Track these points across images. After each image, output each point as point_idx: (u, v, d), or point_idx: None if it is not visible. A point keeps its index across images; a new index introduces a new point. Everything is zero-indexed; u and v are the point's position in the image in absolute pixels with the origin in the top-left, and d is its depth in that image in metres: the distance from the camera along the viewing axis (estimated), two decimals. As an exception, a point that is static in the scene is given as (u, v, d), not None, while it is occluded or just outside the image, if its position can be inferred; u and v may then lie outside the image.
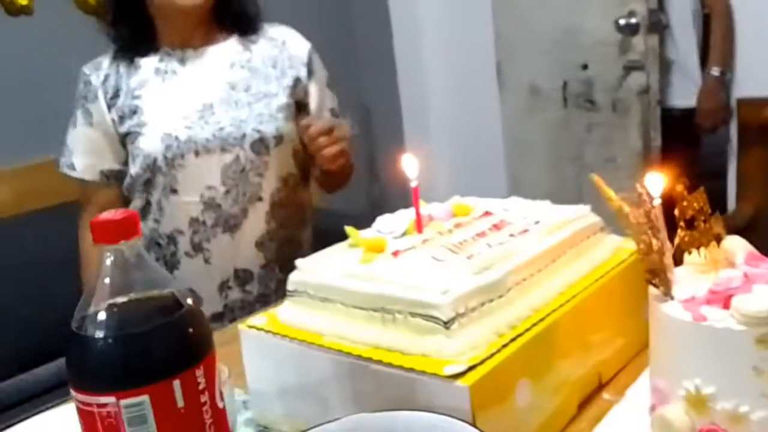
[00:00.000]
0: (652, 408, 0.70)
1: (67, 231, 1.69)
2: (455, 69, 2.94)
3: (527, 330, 0.71)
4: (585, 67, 2.34)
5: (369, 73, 3.20)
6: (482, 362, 0.66)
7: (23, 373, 1.77)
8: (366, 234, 0.86)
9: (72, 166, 1.49)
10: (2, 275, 1.87)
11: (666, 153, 2.29)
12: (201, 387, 0.53)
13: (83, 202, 1.52)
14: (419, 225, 0.86)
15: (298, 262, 0.81)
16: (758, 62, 2.24)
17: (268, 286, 1.48)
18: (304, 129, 1.41)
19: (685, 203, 0.69)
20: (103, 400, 0.49)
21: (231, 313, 1.46)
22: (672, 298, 0.68)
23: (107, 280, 0.51)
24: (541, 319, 0.73)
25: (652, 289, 0.69)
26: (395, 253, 0.79)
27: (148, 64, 1.46)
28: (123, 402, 0.49)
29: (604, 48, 2.27)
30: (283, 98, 1.45)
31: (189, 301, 0.54)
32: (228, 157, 1.41)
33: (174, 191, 1.42)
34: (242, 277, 1.46)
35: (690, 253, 0.71)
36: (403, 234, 0.85)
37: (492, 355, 0.67)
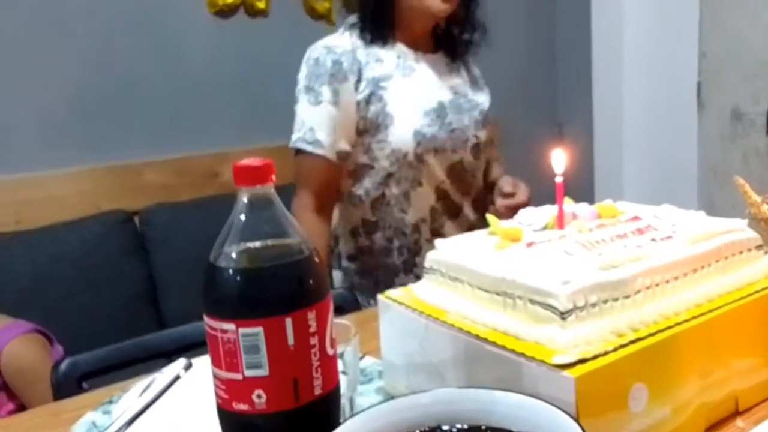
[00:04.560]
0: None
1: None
2: (653, 88, 2.78)
3: (650, 335, 0.67)
4: (794, 92, 2.13)
5: (565, 90, 3.14)
6: (594, 358, 0.63)
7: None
8: (507, 224, 0.86)
9: (318, 144, 1.45)
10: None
11: None
12: (311, 330, 0.56)
13: (308, 179, 1.49)
14: (560, 221, 0.84)
15: (437, 241, 0.83)
16: None
17: None
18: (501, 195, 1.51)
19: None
20: (225, 326, 0.54)
21: None
22: (814, 319, 0.61)
23: (242, 218, 0.56)
24: (668, 327, 0.69)
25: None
26: (529, 244, 0.78)
27: (389, 57, 1.49)
28: (241, 330, 0.54)
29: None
30: (486, 107, 1.59)
31: (309, 250, 0.58)
32: (455, 157, 1.52)
33: (420, 184, 1.50)
34: None
35: None
36: (543, 228, 0.84)
37: (606, 352, 0.64)
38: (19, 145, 2.00)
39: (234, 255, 0.55)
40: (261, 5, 2.34)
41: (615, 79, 2.88)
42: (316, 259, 0.58)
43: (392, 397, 0.85)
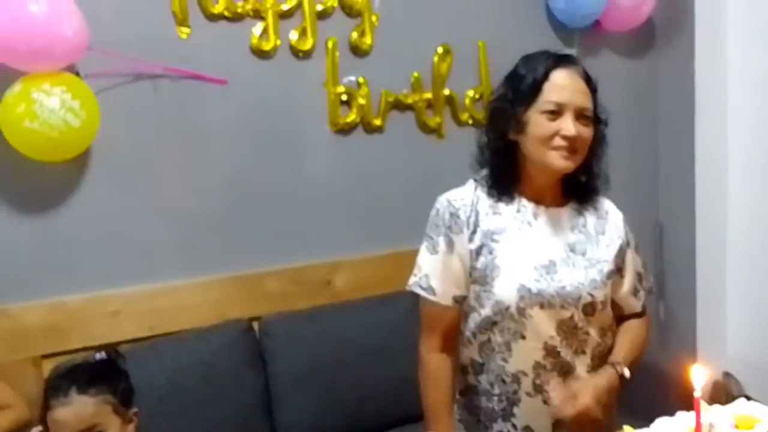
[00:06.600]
0: None
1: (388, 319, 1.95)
2: (761, 196, 2.68)
3: None
4: None
5: (667, 190, 3.06)
6: None
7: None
8: (644, 436, 0.85)
9: (431, 290, 1.52)
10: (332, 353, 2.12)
11: None
12: None
13: (429, 322, 1.56)
14: (699, 435, 0.83)
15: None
16: None
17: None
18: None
19: None
20: None
21: None
22: None
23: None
24: None
25: None
26: (671, 468, 0.77)
27: (508, 211, 1.51)
28: None
29: None
30: (611, 265, 1.53)
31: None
32: (565, 314, 1.48)
33: (522, 337, 1.49)
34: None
35: None
36: (682, 442, 0.83)
37: None
38: (155, 257, 2.12)
39: None
40: (377, 122, 2.42)
41: (718, 183, 2.79)
42: None
43: None
